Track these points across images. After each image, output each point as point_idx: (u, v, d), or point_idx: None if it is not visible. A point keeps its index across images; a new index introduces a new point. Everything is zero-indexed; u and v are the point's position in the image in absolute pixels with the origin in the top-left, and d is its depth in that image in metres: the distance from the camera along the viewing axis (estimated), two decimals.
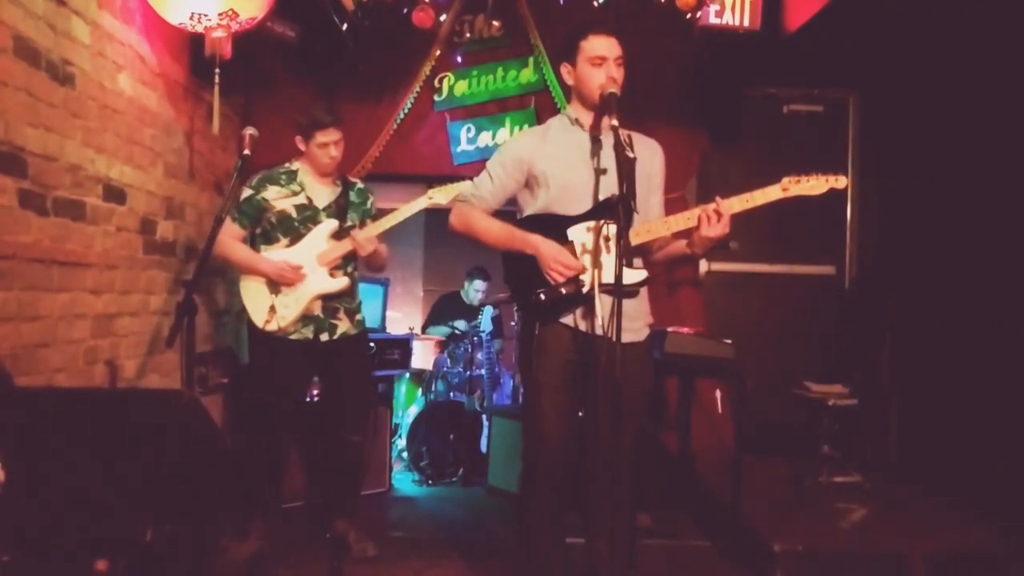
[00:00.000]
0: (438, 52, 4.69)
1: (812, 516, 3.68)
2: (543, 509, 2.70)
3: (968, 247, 4.22)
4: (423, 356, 5.91)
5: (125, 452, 2.14)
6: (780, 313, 5.02)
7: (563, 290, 2.59)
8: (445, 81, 4.79)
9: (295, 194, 3.42)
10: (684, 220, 2.60)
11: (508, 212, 2.81)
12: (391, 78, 4.67)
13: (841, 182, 2.59)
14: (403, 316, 6.80)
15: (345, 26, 4.10)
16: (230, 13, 3.34)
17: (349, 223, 3.47)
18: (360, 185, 3.62)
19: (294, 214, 3.40)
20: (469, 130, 4.82)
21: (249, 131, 3.15)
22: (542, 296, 2.60)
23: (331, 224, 3.43)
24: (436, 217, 7.15)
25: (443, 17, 4.51)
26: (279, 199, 3.40)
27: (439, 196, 3.44)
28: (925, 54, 4.45)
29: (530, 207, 2.72)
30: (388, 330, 5.08)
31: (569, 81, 2.70)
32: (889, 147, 4.94)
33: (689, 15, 3.99)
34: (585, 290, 2.58)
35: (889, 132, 4.92)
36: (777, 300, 5.04)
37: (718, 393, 4.64)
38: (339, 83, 4.59)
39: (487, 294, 5.89)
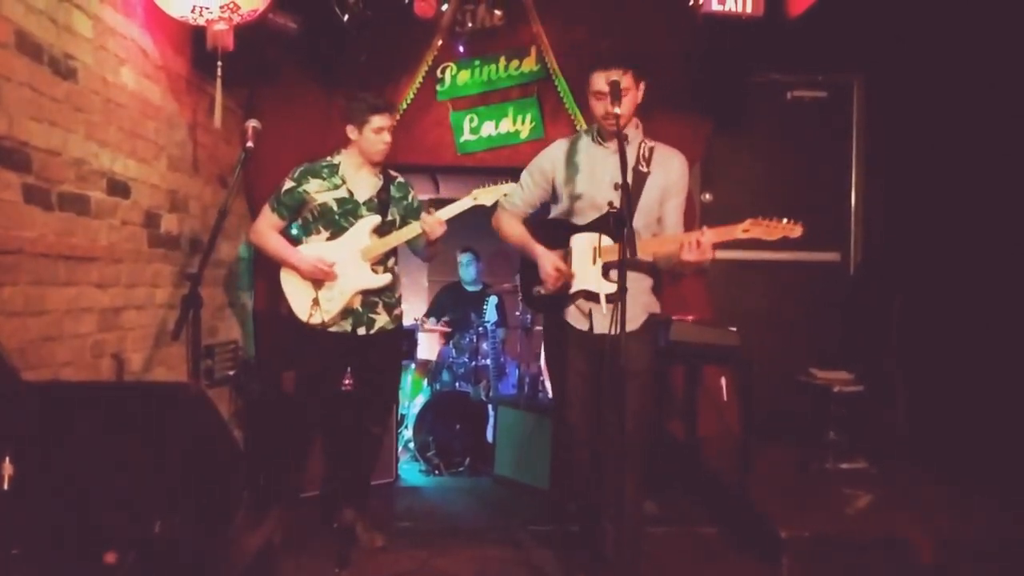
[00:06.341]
0: (440, 42, 4.68)
1: (818, 502, 3.68)
2: (578, 480, 3.05)
3: (974, 232, 4.21)
4: (428, 347, 5.92)
5: (132, 445, 2.15)
6: (785, 300, 5.01)
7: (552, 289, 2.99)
8: (447, 71, 4.78)
9: (336, 187, 3.44)
10: (659, 244, 2.86)
11: None
12: (393, 69, 4.66)
13: (796, 231, 2.71)
14: (408, 307, 6.80)
15: (347, 17, 4.09)
16: (231, 5, 3.34)
17: (391, 218, 3.49)
18: (400, 179, 3.61)
19: (335, 207, 3.43)
20: (472, 120, 4.80)
21: (252, 123, 3.17)
22: (540, 291, 3.03)
23: (373, 219, 3.44)
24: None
25: (445, 7, 4.50)
26: (320, 192, 3.42)
27: (483, 197, 3.43)
28: (930, 38, 4.42)
29: (554, 212, 3.10)
30: None
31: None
32: (893, 132, 4.92)
33: (692, 2, 3.97)
34: (572, 291, 2.95)
35: (893, 117, 4.90)
36: (782, 287, 5.03)
37: (723, 380, 4.64)
38: (341, 74, 4.58)
39: (479, 269, 6.11)
